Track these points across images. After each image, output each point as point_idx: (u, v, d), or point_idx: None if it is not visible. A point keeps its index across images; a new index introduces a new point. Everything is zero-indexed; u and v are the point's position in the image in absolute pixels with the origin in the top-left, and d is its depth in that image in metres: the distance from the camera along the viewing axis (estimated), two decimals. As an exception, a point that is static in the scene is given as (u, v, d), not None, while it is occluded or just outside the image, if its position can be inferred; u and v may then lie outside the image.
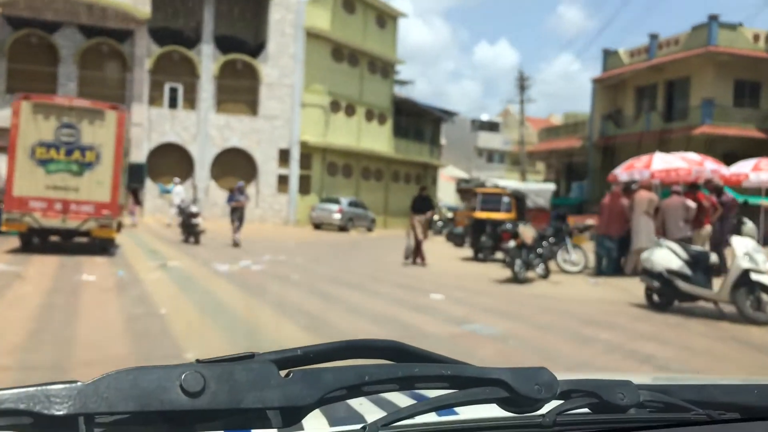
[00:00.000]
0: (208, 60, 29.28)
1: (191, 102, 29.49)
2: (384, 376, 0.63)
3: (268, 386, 0.57)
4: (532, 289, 10.46)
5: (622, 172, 11.82)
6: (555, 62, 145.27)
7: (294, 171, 30.81)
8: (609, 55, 33.69)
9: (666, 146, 29.22)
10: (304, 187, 31.46)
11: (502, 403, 0.68)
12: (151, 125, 28.65)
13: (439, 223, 36.73)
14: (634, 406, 0.73)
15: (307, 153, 31.35)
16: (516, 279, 10.72)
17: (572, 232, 13.10)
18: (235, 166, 30.20)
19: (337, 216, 29.15)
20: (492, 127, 71.02)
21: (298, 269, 12.26)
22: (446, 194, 51.20)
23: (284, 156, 30.71)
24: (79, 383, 0.53)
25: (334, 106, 32.76)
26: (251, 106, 30.43)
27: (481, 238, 15.19)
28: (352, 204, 30.45)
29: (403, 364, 0.67)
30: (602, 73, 33.83)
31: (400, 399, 0.85)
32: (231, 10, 30.22)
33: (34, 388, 0.52)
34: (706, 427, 0.77)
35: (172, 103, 29.16)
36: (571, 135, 36.93)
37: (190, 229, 17.40)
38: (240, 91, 30.09)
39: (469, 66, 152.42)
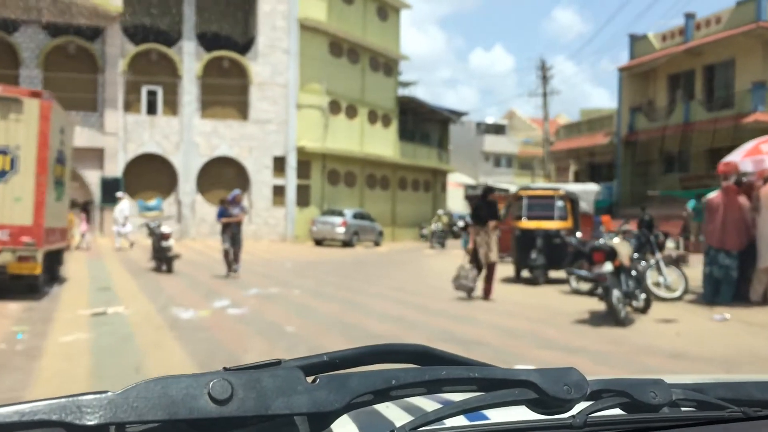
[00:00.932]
0: (190, 58, 25.98)
1: (172, 106, 26.17)
2: (411, 380, 0.62)
3: (295, 392, 0.57)
4: (643, 335, 7.06)
5: (743, 159, 8.46)
6: (555, 64, 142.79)
7: (291, 181, 27.45)
8: (637, 41, 30.37)
9: (710, 138, 25.89)
10: (303, 198, 28.08)
11: (531, 405, 0.66)
12: (128, 134, 25.31)
13: (439, 232, 33.42)
14: (666, 405, 0.70)
15: (305, 160, 27.99)
16: (616, 318, 7.31)
17: (663, 244, 9.68)
18: (224, 177, 26.84)
19: (341, 230, 25.76)
20: (498, 129, 67.80)
21: (296, 310, 8.86)
22: (454, 202, 47.84)
23: (279, 164, 27.35)
24: (109, 393, 0.54)
25: (334, 107, 29.43)
26: (241, 109, 27.10)
27: (531, 254, 11.80)
28: (357, 216, 27.05)
29: (430, 367, 0.65)
30: (629, 61, 30.50)
31: (428, 403, 0.82)
32: (215, 2, 26.93)
33: (66, 399, 0.53)
34: (742, 424, 0.74)
35: (151, 109, 25.83)
36: (595, 131, 33.56)
37: (160, 254, 14.01)
38: (227, 92, 26.78)
39: (464, 72, 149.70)
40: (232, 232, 12.98)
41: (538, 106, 27.35)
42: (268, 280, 13.01)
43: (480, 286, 10.07)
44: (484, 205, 10.16)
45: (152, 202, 25.58)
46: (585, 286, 10.53)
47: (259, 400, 0.56)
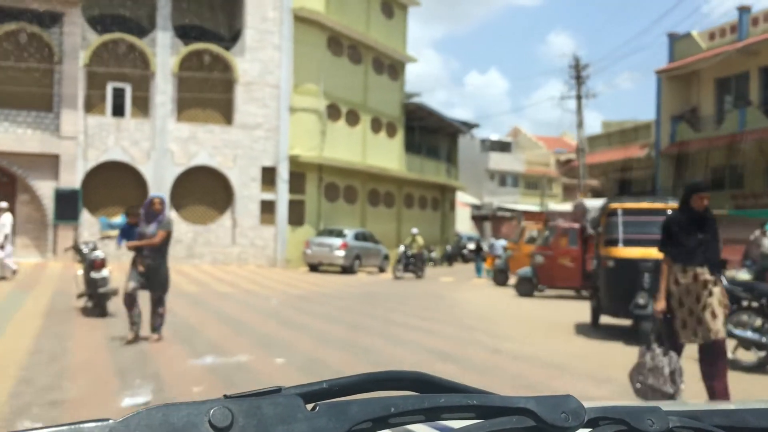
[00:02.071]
0: (164, 52, 22.16)
1: (143, 107, 22.30)
2: (410, 407, 0.62)
3: (295, 420, 0.57)
4: None
5: None
6: (548, 87, 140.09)
7: (282, 195, 23.54)
8: (677, 41, 26.75)
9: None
10: (296, 215, 24.15)
11: None
12: (89, 138, 21.39)
13: (433, 254, 29.60)
14: None
15: (299, 172, 24.10)
16: None
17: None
18: (203, 190, 22.91)
19: (341, 253, 21.81)
20: (503, 147, 64.22)
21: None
22: (459, 222, 44.02)
23: (269, 176, 23.46)
24: (110, 421, 0.54)
25: (333, 112, 25.61)
26: (224, 112, 23.25)
27: (637, 296, 7.87)
28: (358, 236, 23.12)
29: (429, 394, 0.66)
30: (669, 63, 26.85)
31: (427, 431, 0.79)
32: (195, -12, 23.20)
33: (67, 427, 0.53)
34: None
35: (118, 110, 21.95)
36: (627, 143, 29.80)
37: (91, 288, 10.07)
38: (209, 92, 22.95)
39: (460, 94, 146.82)
40: (146, 264, 8.06)
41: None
42: (237, 334, 9.04)
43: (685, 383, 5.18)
44: (694, 220, 5.14)
45: (117, 219, 21.61)
46: (752, 356, 6.67)
47: (260, 428, 0.56)
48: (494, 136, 62.65)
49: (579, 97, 22.05)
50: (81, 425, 0.53)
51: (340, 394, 0.65)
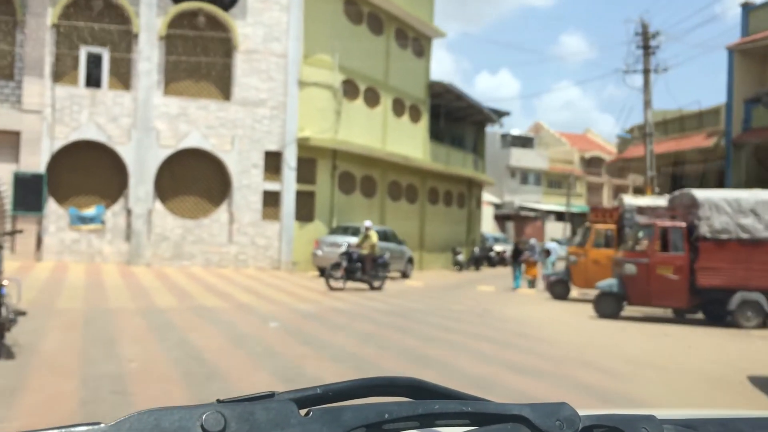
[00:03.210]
0: (150, 11, 18.47)
1: (123, 77, 18.63)
2: (404, 414, 0.61)
3: (288, 425, 0.57)
4: None
5: None
6: (559, 88, 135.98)
7: (289, 185, 19.83)
8: (753, 11, 22.86)
9: None
10: (305, 210, 20.44)
11: None
12: (57, 113, 17.74)
13: (459, 257, 25.97)
14: None
15: (309, 158, 20.38)
16: None
17: None
18: (195, 178, 19.24)
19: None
20: (525, 142, 60.37)
21: None
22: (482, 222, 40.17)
23: (273, 162, 19.76)
24: (102, 425, 0.53)
25: (350, 89, 21.88)
26: (221, 84, 19.55)
27: None
28: (379, 236, 19.36)
29: (423, 401, 0.65)
30: (742, 38, 22.96)
31: None
32: (188, -63, 19.49)
33: (59, 430, 0.53)
34: None
35: (92, 79, 18.29)
36: (689, 132, 25.87)
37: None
38: (203, 61, 19.27)
39: (472, 95, 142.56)
40: None
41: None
42: (198, 386, 5.29)
43: None
44: None
45: (90, 211, 18.03)
46: None
47: None
48: (515, 131, 58.81)
49: (647, 71, 18.27)
50: (73, 428, 0.52)
51: (334, 400, 0.64)
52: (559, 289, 15.36)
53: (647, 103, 19.02)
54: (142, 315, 9.68)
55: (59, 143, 17.68)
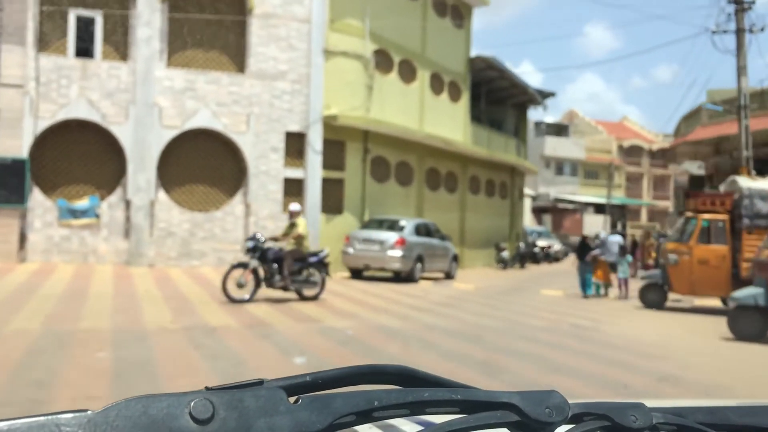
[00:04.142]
0: (150, -33, 15.71)
1: (120, 46, 15.91)
2: (394, 401, 0.62)
3: (277, 412, 0.56)
4: None
5: None
6: (582, 79, 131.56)
7: (314, 172, 17.02)
8: None
9: None
10: (333, 200, 17.62)
11: (513, 428, 0.66)
12: (42, 87, 15.08)
13: (504, 254, 23.09)
14: (647, 429, 0.70)
15: (337, 140, 17.54)
16: None
17: None
18: (205, 163, 16.51)
19: (396, 253, 15.24)
20: (560, 130, 57.01)
21: None
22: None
23: (296, 145, 16.97)
24: (89, 412, 0.53)
25: (383, 61, 18.98)
26: (234, 54, 16.76)
27: None
28: (420, 230, 16.50)
29: (413, 388, 0.65)
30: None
31: (410, 425, 0.80)
32: None
33: (45, 417, 0.52)
34: None
35: (83, 48, 15.59)
36: (756, 113, 22.47)
37: None
38: (213, 27, 16.49)
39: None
40: None
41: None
42: None
43: None
44: None
45: (82, 203, 15.41)
46: None
47: (241, 421, 0.55)
48: (549, 119, 55.53)
49: (740, 31, 15.17)
50: (59, 416, 0.52)
51: (324, 387, 0.64)
52: (652, 295, 12.32)
53: (741, 69, 15.82)
54: (112, 342, 6.91)
55: (44, 123, 15.01)
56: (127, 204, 15.65)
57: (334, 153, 17.52)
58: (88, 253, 15.47)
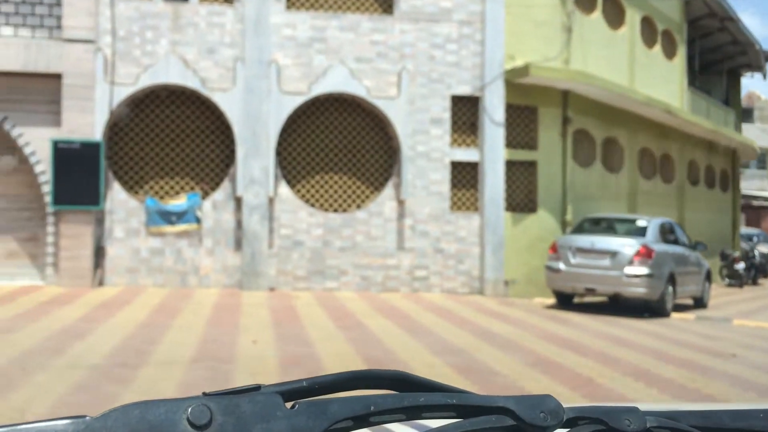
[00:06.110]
0: None
1: (224, -18, 11.48)
2: (390, 406, 0.62)
3: (274, 418, 0.57)
4: None
5: None
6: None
7: (494, 152, 11.75)
8: None
9: None
10: (521, 192, 12.27)
11: None
12: (120, 43, 10.90)
13: (739, 266, 16.65)
14: None
15: (526, 105, 12.19)
16: None
17: None
18: (341, 142, 11.72)
19: (638, 270, 9.57)
20: (743, 115, 47.79)
21: None
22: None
23: (467, 114, 11.82)
24: (87, 418, 0.53)
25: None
26: (378, -11, 11.87)
27: None
28: (666, 232, 10.70)
29: (409, 393, 0.66)
30: None
31: (406, 430, 0.80)
32: None
33: (43, 424, 0.52)
34: None
35: (176, -13, 11.31)
36: None
37: None
38: (349, -47, 11.70)
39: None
40: None
41: None
42: None
43: None
44: None
45: (178, 203, 10.96)
46: None
47: (238, 426, 0.55)
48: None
49: None
50: (57, 422, 0.52)
51: (320, 393, 0.64)
52: None
53: None
54: None
55: (124, 92, 10.81)
56: (238, 203, 11.16)
57: (521, 124, 12.18)
58: (188, 272, 11.11)
